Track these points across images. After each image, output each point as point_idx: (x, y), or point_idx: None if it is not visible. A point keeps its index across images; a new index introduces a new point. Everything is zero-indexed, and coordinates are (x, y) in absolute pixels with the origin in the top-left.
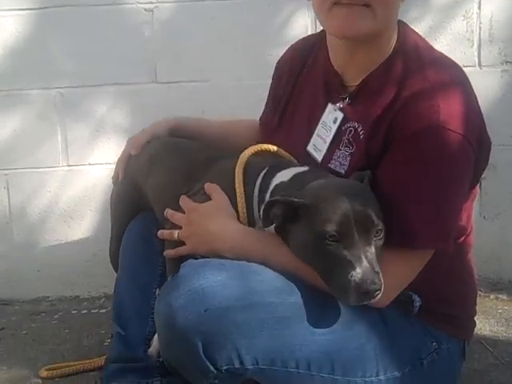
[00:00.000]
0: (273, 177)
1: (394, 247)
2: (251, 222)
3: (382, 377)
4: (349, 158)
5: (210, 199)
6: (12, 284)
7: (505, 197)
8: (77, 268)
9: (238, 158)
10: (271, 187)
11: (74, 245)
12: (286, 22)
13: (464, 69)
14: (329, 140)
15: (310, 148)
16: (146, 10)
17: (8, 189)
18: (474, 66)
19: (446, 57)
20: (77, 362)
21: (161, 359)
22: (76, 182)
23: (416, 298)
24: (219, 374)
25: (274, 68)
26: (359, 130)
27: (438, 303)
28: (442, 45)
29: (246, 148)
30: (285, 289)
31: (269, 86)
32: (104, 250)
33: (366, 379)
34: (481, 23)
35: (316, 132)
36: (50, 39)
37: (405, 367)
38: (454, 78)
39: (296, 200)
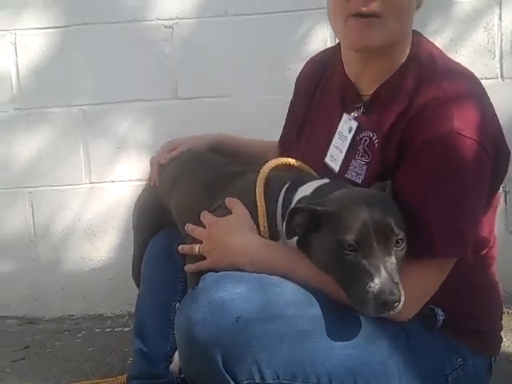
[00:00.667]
0: (295, 192)
1: (414, 257)
2: (274, 237)
3: None
4: (365, 168)
5: (231, 214)
6: (36, 302)
7: None
8: (100, 286)
9: (259, 172)
10: (293, 202)
11: (97, 262)
12: (305, 37)
13: (486, 81)
14: (344, 150)
15: (327, 159)
16: (165, 26)
17: (32, 206)
18: (496, 77)
19: (463, 67)
20: (99, 379)
21: (182, 375)
22: (98, 199)
23: (439, 311)
24: None
25: (293, 82)
26: (374, 138)
27: (461, 317)
28: (464, 57)
29: (266, 162)
30: (305, 301)
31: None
32: (127, 267)
33: None
34: (502, 34)
35: (333, 143)
36: (71, 57)
37: (429, 383)
38: (469, 88)
39: (318, 208)
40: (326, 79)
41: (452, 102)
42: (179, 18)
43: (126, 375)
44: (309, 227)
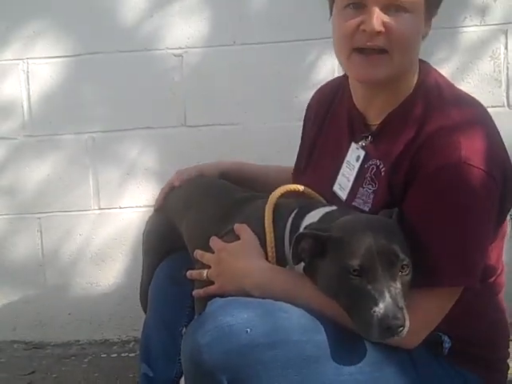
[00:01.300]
0: (303, 218)
1: (422, 285)
2: (282, 263)
3: None
4: (372, 196)
5: (239, 240)
6: (43, 327)
7: None
8: (107, 311)
9: (268, 198)
10: (301, 228)
11: (105, 288)
12: (313, 65)
13: (492, 109)
14: (352, 178)
15: (335, 188)
16: (175, 55)
17: (41, 232)
18: (503, 106)
19: (469, 95)
20: None
21: None
22: (107, 225)
23: (446, 338)
24: None
25: (301, 110)
26: (381, 167)
27: (468, 344)
28: (470, 86)
29: (275, 189)
30: (311, 327)
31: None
32: (134, 293)
33: None
34: (508, 63)
35: (341, 171)
36: (82, 85)
37: None
38: (476, 116)
39: (322, 234)
40: (334, 108)
41: (459, 130)
42: (189, 47)
43: None
44: (314, 253)
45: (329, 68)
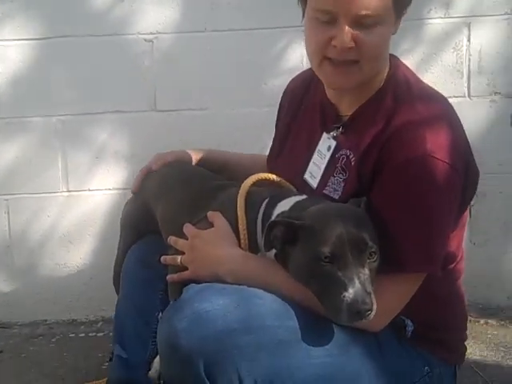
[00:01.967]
0: (274, 207)
1: (386, 272)
2: (254, 250)
3: None
4: (342, 185)
5: (213, 227)
6: (11, 307)
7: (494, 223)
8: (75, 292)
9: (240, 187)
10: (273, 216)
11: (73, 269)
12: (282, 52)
13: (454, 99)
14: (323, 167)
15: (306, 176)
16: (146, 40)
17: (8, 213)
18: (464, 96)
19: (435, 90)
20: None
21: (161, 382)
22: (75, 207)
23: (409, 322)
24: None
25: (270, 97)
26: (350, 157)
27: (429, 328)
28: (433, 76)
29: (246, 178)
30: (284, 313)
31: (265, 115)
32: (101, 274)
33: None
34: (470, 55)
35: (312, 160)
36: (51, 68)
37: None
38: (441, 111)
39: (295, 221)
40: (308, 98)
41: (426, 125)
42: (159, 33)
43: (103, 380)
44: (286, 240)
45: (298, 56)
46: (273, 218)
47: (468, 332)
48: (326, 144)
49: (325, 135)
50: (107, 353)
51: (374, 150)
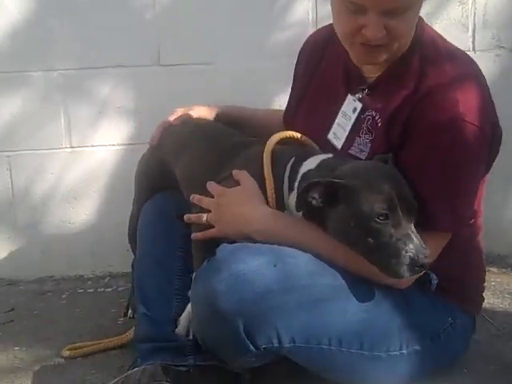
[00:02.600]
0: (300, 165)
1: (418, 229)
2: (280, 209)
3: (404, 351)
4: (369, 145)
5: (239, 185)
6: (16, 264)
7: (495, 173)
8: (80, 249)
9: (265, 145)
10: (299, 176)
11: (78, 226)
12: (287, 6)
13: None
14: (348, 128)
15: (330, 136)
16: None
17: (10, 170)
18: (469, 50)
19: (461, 50)
20: (96, 341)
21: (191, 338)
22: (79, 163)
23: (433, 276)
24: (257, 353)
25: (274, 51)
26: (377, 118)
27: (452, 281)
28: (439, 29)
29: (264, 135)
30: (319, 271)
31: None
32: (107, 230)
33: (390, 353)
34: (475, 9)
35: (336, 121)
36: (52, 21)
37: (424, 341)
38: (469, 71)
39: (338, 181)
40: (328, 57)
41: (456, 86)
42: None
43: (123, 336)
44: (326, 200)
45: (303, 9)
46: (299, 176)
47: None
48: (351, 106)
49: (350, 97)
50: (120, 308)
51: (404, 111)
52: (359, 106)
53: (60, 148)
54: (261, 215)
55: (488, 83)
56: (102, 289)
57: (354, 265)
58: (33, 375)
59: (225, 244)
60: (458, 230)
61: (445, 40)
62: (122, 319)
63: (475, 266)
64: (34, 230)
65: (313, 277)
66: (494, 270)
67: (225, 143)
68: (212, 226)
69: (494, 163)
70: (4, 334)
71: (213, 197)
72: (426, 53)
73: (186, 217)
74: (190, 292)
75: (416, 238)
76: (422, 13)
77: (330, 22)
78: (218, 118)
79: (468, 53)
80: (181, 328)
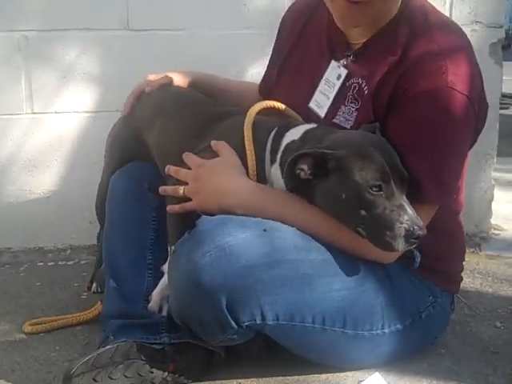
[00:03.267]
0: (283, 136)
1: None
2: (261, 182)
3: (386, 330)
4: (355, 114)
5: (217, 156)
6: None
7: None
8: (41, 219)
9: (245, 115)
10: (282, 147)
11: (38, 195)
12: None
13: None
14: (332, 96)
15: (312, 104)
16: None
17: None
18: None
19: (452, 21)
20: (60, 316)
21: (164, 314)
22: (41, 130)
23: (417, 253)
24: (239, 330)
25: (249, 19)
26: (363, 85)
27: (434, 259)
28: None
29: (251, 105)
30: (305, 246)
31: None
32: (70, 201)
33: (373, 332)
34: None
35: (319, 88)
36: None
37: (406, 320)
38: (459, 41)
39: (329, 151)
40: (313, 23)
41: (445, 55)
42: None
43: (88, 312)
44: (315, 172)
45: None
46: (282, 147)
47: None
48: (335, 72)
49: (334, 63)
50: (83, 282)
51: (392, 78)
52: (344, 72)
53: (21, 113)
54: (241, 187)
55: None
56: (64, 262)
57: (338, 238)
58: None
59: (206, 216)
60: (446, 202)
61: (436, 10)
62: (85, 294)
63: (457, 243)
64: None
65: (300, 251)
66: None
67: (203, 112)
68: (189, 199)
69: None
70: None
71: (190, 168)
72: (415, 20)
73: (161, 189)
74: (163, 267)
75: (410, 209)
76: None
77: None
78: (192, 85)
79: None
80: (153, 304)
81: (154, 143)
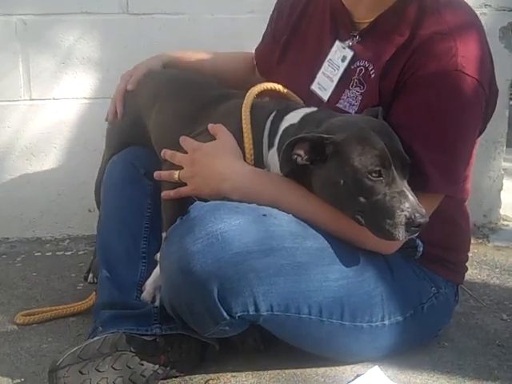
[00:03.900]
0: (281, 120)
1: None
2: (259, 166)
3: (386, 321)
4: (360, 98)
5: (214, 140)
6: None
7: None
8: (39, 208)
9: (244, 98)
10: (280, 131)
11: (36, 184)
12: None
13: None
14: (336, 79)
15: (314, 87)
16: None
17: None
18: None
19: (464, 1)
20: (53, 307)
21: (156, 305)
22: (39, 117)
23: (419, 243)
24: (231, 321)
25: (251, 2)
26: (370, 68)
27: (438, 248)
28: None
29: (250, 87)
30: (300, 233)
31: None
32: (69, 189)
33: (372, 324)
34: None
35: (322, 70)
36: None
37: (407, 312)
38: (469, 20)
39: (326, 136)
40: (315, 3)
41: (455, 35)
42: None
43: (82, 302)
44: (312, 158)
45: None
46: (280, 131)
47: None
48: (339, 54)
49: (338, 44)
50: (80, 273)
51: (399, 61)
52: (350, 54)
53: (18, 100)
54: (238, 171)
55: None
56: (62, 252)
57: (336, 226)
58: None
59: (199, 202)
60: (453, 192)
61: None
62: (81, 284)
63: (462, 232)
64: None
65: (296, 239)
66: (472, 240)
67: (201, 95)
68: (184, 184)
69: None
70: None
71: (186, 153)
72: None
73: (155, 174)
74: (157, 255)
75: (411, 196)
76: None
77: None
78: (167, 67)
79: None
80: (146, 294)
81: (152, 128)
